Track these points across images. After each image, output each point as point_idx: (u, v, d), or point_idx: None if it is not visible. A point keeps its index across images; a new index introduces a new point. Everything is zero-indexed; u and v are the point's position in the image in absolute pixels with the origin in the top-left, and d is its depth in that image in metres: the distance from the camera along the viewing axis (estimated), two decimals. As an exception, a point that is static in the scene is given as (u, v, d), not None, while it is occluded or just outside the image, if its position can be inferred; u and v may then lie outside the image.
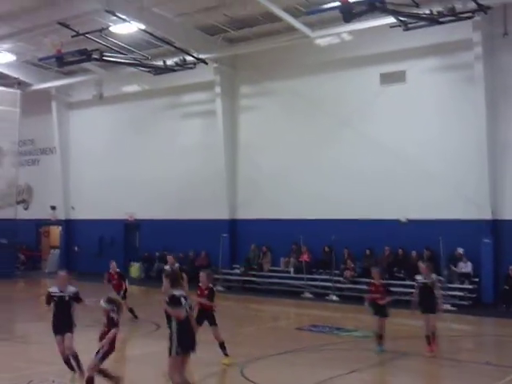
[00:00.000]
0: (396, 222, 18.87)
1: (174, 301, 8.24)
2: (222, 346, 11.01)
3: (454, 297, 18.02)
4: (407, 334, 14.04)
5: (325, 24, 20.17)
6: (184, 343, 8.23)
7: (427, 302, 11.68)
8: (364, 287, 19.39)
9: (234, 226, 23.66)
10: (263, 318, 16.17)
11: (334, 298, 19.86)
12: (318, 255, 21.23)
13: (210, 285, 11.26)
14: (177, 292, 8.31)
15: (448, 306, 17.46)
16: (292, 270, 21.45)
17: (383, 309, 12.12)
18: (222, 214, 23.58)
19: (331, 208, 20.84)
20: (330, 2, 15.93)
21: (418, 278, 11.97)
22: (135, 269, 26.57)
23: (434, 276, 12.02)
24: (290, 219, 21.76)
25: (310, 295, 20.47)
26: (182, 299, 8.25)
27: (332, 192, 20.96)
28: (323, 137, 21.51)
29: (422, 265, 12.19)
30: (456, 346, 13.74)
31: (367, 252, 20.11)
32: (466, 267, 18.53)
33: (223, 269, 22.77)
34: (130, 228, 27.22)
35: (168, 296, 8.36)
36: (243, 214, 23.49)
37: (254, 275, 22.25)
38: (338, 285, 20.07)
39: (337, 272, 20.13)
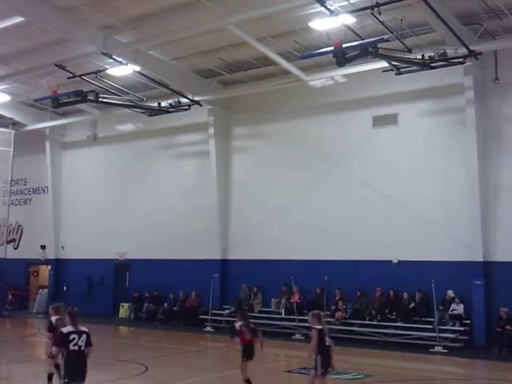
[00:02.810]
0: (388, 263, 18.90)
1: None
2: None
3: (445, 339, 17.94)
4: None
5: (319, 67, 20.61)
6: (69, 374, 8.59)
7: None
8: (355, 329, 19.44)
9: (225, 267, 23.60)
10: (253, 359, 15.93)
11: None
12: (310, 296, 21.15)
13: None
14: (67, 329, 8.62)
15: (440, 349, 17.44)
16: (283, 311, 21.33)
17: None
18: (214, 254, 23.55)
19: (322, 249, 20.89)
20: (323, 47, 16.26)
21: None
22: (125, 309, 26.38)
23: None
24: (280, 259, 21.73)
25: (301, 337, 20.31)
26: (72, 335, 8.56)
27: (324, 233, 21.06)
28: (315, 178, 21.72)
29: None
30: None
31: (358, 293, 20.07)
32: (458, 309, 18.51)
33: (213, 309, 22.61)
34: (121, 268, 27.07)
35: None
36: (234, 254, 23.46)
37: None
38: (329, 326, 19.89)
39: (328, 313, 20.02)
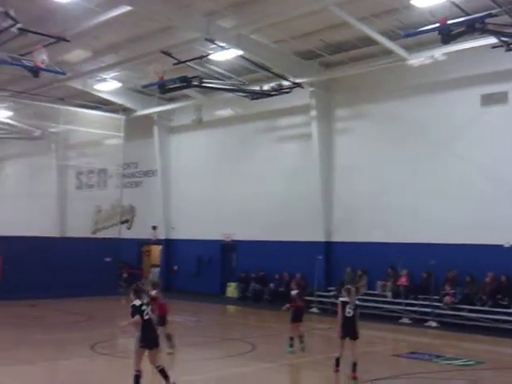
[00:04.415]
0: (499, 247, 18.16)
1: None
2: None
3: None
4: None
5: (421, 46, 19.92)
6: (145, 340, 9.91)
7: None
8: (465, 314, 18.89)
9: (329, 249, 23.60)
10: (359, 341, 15.93)
11: (434, 324, 19.31)
12: (416, 280, 20.75)
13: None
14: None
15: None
16: (389, 294, 21.08)
17: None
18: (317, 236, 23.60)
19: (430, 232, 20.38)
20: (426, 25, 15.71)
21: None
22: (232, 289, 27.04)
23: None
24: (385, 242, 21.44)
25: (409, 321, 20.01)
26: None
27: (431, 215, 20.52)
28: (421, 159, 21.17)
29: None
30: None
31: (468, 278, 19.44)
32: None
33: (318, 291, 22.72)
34: (227, 248, 27.74)
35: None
36: (338, 236, 23.39)
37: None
38: (438, 311, 19.51)
39: (436, 298, 19.58)
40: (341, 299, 11.97)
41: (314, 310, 22.27)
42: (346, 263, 22.50)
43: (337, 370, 11.76)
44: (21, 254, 23.92)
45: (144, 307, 9.92)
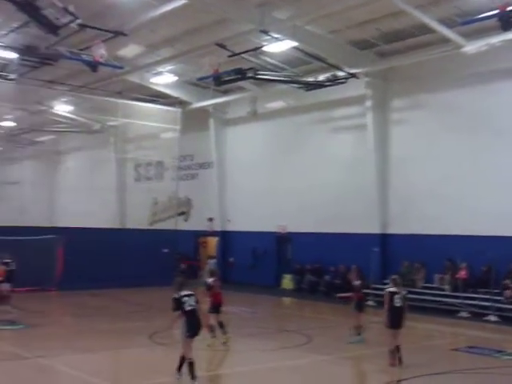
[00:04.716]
0: None
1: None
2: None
3: None
4: None
5: (479, 33, 19.32)
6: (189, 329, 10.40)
7: None
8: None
9: (385, 241, 23.31)
10: (416, 335, 15.71)
11: (493, 318, 18.84)
12: (475, 273, 20.28)
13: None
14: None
15: None
16: (448, 287, 20.67)
17: None
18: (373, 228, 23.35)
19: (490, 224, 19.82)
20: (484, 12, 15.27)
21: None
22: (287, 280, 27.08)
23: None
24: (444, 235, 21.01)
25: (468, 314, 19.60)
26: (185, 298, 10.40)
27: (491, 207, 19.96)
28: (481, 149, 20.62)
29: None
30: None
31: (530, 272, 18.88)
32: None
33: (374, 284, 22.48)
34: (282, 240, 27.76)
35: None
36: (394, 228, 23.08)
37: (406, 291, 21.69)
38: (498, 305, 19.02)
39: (497, 291, 19.09)
40: (388, 290, 12.21)
41: (370, 302, 22.06)
42: (403, 256, 22.19)
43: (393, 364, 11.67)
44: (82, 245, 24.54)
45: (185, 299, 10.36)
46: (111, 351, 13.84)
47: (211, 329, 13.37)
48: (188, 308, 10.35)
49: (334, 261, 24.44)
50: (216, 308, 13.84)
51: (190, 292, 10.57)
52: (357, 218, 23.72)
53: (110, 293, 24.07)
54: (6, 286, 17.80)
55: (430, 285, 21.42)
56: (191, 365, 10.21)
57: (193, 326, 10.37)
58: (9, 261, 18.36)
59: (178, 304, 10.35)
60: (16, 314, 16.47)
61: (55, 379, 11.60)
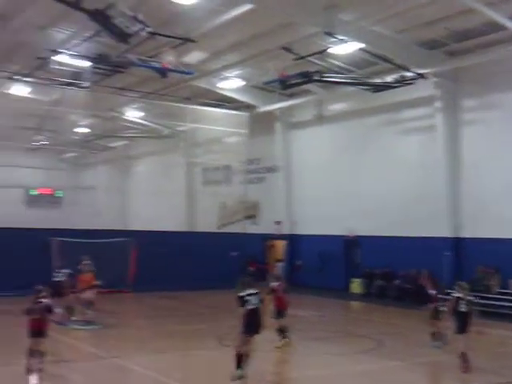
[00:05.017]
0: None
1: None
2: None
3: None
4: None
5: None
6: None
7: None
8: None
9: (458, 245, 22.70)
10: (490, 342, 15.23)
11: None
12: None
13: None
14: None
15: None
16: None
17: None
18: (444, 232, 22.79)
19: None
20: None
21: None
22: (356, 284, 26.80)
23: None
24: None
25: (545, 321, 18.87)
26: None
27: None
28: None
29: None
30: None
31: None
32: None
33: (446, 288, 21.92)
34: (350, 244, 27.50)
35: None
36: (468, 232, 22.43)
37: (480, 297, 21.06)
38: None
39: None
40: (454, 295, 12.05)
41: (444, 308, 21.52)
42: (477, 260, 21.51)
43: (464, 370, 11.38)
44: (153, 248, 25.10)
45: (248, 297, 10.71)
46: (181, 352, 14.11)
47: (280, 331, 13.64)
48: (250, 307, 10.65)
49: (404, 265, 23.99)
50: (279, 312, 13.99)
51: (254, 291, 10.86)
52: (427, 222, 23.19)
53: (180, 295, 24.50)
54: (93, 292, 17.69)
55: (505, 290, 20.73)
56: (242, 357, 10.51)
57: (252, 324, 10.63)
58: (89, 263, 18.60)
59: (242, 302, 10.70)
60: (92, 314, 16.99)
61: (129, 379, 11.94)
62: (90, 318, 16.94)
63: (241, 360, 10.62)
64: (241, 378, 10.51)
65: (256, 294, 10.87)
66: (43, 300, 10.89)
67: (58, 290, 16.00)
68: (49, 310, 10.90)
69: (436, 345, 14.19)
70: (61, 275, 17.50)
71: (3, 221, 25.25)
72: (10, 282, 21.60)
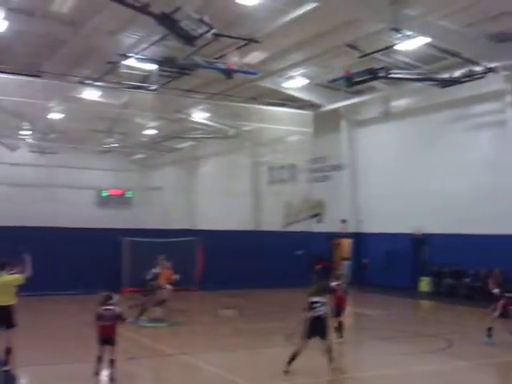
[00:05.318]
0: None
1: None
2: None
3: None
4: None
5: None
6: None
7: None
8: None
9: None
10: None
11: None
12: None
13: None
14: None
15: None
16: None
17: None
18: (516, 230, 22.13)
19: None
20: None
21: None
22: (424, 283, 26.36)
23: None
24: None
25: None
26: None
27: None
28: None
29: None
30: None
31: None
32: None
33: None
34: (418, 242, 27.03)
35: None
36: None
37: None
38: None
39: None
40: (508, 295, 12.52)
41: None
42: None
43: None
44: (219, 247, 25.43)
45: (317, 305, 11.00)
46: (249, 350, 14.25)
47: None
48: (316, 314, 10.95)
49: (474, 263, 23.45)
50: (338, 311, 14.28)
51: (323, 300, 11.10)
52: (498, 219, 22.53)
53: (245, 293, 24.74)
54: (170, 290, 18.03)
55: None
56: (296, 356, 10.93)
57: (314, 331, 10.91)
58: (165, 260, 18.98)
59: (310, 307, 11.01)
60: (161, 312, 17.37)
61: (196, 376, 12.15)
62: (159, 315, 17.34)
63: (294, 358, 11.03)
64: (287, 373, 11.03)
65: (324, 303, 11.13)
66: (112, 307, 10.71)
67: (149, 289, 17.09)
68: (120, 317, 10.77)
69: (488, 341, 14.06)
70: (151, 273, 17.89)
71: (76, 221, 26.19)
72: (83, 280, 22.39)
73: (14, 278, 11.53)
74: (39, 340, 14.70)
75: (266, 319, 19.04)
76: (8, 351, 11.16)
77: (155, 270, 17.88)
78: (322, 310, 10.98)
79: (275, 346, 14.38)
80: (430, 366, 12.59)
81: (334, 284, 14.57)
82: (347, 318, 14.32)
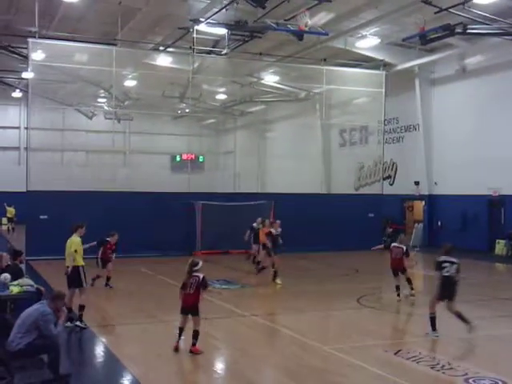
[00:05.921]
0: None
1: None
2: None
3: None
4: None
5: None
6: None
7: None
8: None
9: None
10: None
11: None
12: None
13: None
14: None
15: None
16: None
17: None
18: None
19: None
20: None
21: None
22: (500, 246, 25.73)
23: None
24: None
25: None
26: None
27: None
28: None
29: None
30: None
31: None
32: None
33: None
34: (494, 204, 26.31)
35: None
36: None
37: None
38: None
39: None
40: None
41: None
42: None
43: None
44: (290, 210, 25.52)
45: (445, 264, 11.05)
46: (320, 312, 14.34)
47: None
48: (445, 274, 11.01)
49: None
50: (393, 272, 15.20)
51: (453, 260, 11.12)
52: None
53: (317, 256, 24.84)
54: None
55: None
56: (435, 319, 11.15)
57: (444, 291, 11.02)
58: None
59: (439, 267, 11.10)
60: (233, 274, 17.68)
61: (267, 336, 12.38)
62: (230, 277, 17.68)
63: (434, 322, 11.18)
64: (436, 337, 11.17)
65: (453, 263, 11.12)
66: (197, 274, 10.17)
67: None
68: (204, 285, 10.19)
69: None
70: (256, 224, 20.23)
71: (152, 185, 26.91)
72: (157, 243, 23.09)
73: (71, 241, 12.01)
74: (120, 299, 15.43)
75: (337, 281, 19.12)
76: (81, 308, 11.82)
77: (256, 225, 19.66)
78: (450, 271, 11.03)
79: (347, 307, 14.48)
80: (501, 331, 12.39)
81: (394, 245, 15.19)
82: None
